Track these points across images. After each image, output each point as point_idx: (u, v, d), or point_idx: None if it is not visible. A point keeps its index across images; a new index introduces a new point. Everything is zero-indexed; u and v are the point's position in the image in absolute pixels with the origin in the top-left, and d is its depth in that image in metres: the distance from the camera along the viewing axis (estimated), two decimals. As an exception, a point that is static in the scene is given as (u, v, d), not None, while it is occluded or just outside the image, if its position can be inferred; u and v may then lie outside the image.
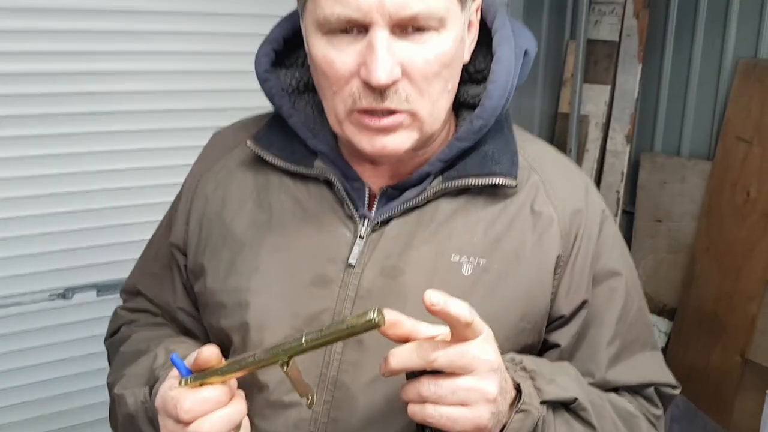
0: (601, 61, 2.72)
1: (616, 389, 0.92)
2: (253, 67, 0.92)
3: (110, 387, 0.97)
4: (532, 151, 0.93)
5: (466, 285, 0.85)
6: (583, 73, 2.72)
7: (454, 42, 0.80)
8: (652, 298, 2.60)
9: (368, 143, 0.81)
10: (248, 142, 0.93)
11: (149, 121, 2.03)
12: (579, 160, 2.78)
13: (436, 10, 0.77)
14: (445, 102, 0.83)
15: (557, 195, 0.90)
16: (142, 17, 1.96)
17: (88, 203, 1.99)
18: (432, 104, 0.81)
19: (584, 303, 0.90)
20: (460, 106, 0.93)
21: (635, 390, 0.93)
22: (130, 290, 1.09)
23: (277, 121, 0.94)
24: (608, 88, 2.70)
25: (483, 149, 0.88)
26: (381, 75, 0.75)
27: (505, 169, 0.87)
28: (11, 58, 1.82)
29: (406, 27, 0.77)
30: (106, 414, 0.99)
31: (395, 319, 0.70)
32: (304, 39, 0.84)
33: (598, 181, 2.77)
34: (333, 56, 0.78)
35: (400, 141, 0.81)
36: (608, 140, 2.72)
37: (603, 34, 2.71)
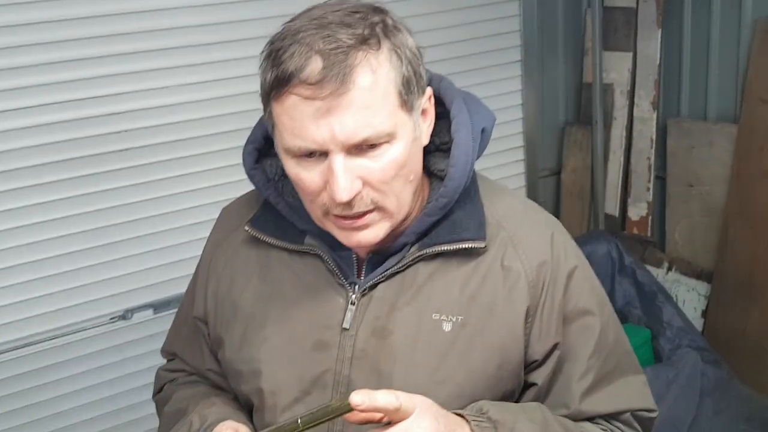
0: (620, 28, 2.70)
1: (591, 418, 1.00)
2: None
3: None
4: (501, 207, 1.01)
5: (447, 341, 0.95)
6: (601, 41, 2.70)
7: (406, 146, 0.89)
8: (689, 262, 2.61)
9: (346, 239, 0.94)
10: (246, 227, 1.03)
11: (191, 148, 2.18)
12: (607, 129, 2.79)
13: (383, 128, 0.86)
14: (409, 190, 0.93)
15: (524, 249, 0.98)
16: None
17: (135, 232, 2.15)
18: (396, 197, 0.91)
19: (556, 345, 0.98)
20: (431, 175, 1.01)
21: (612, 416, 1.01)
22: (168, 351, 1.22)
23: (270, 204, 1.03)
24: (630, 55, 2.68)
25: (452, 217, 0.97)
26: (342, 195, 0.86)
27: (473, 233, 0.96)
28: (62, 108, 1.99)
29: (360, 146, 0.86)
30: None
31: (356, 406, 0.79)
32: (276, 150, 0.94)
33: (628, 149, 2.77)
34: (303, 176, 0.90)
35: (374, 234, 0.93)
36: (634, 107, 2.71)
37: (620, 0, 2.68)
